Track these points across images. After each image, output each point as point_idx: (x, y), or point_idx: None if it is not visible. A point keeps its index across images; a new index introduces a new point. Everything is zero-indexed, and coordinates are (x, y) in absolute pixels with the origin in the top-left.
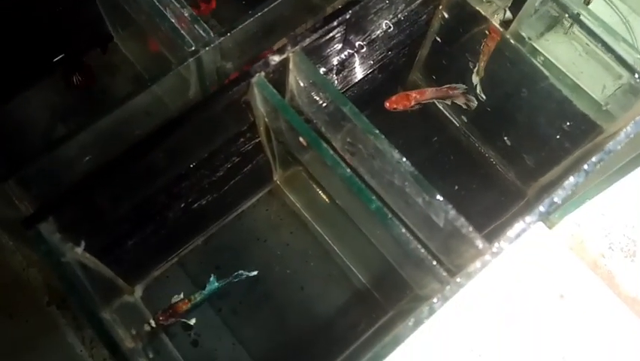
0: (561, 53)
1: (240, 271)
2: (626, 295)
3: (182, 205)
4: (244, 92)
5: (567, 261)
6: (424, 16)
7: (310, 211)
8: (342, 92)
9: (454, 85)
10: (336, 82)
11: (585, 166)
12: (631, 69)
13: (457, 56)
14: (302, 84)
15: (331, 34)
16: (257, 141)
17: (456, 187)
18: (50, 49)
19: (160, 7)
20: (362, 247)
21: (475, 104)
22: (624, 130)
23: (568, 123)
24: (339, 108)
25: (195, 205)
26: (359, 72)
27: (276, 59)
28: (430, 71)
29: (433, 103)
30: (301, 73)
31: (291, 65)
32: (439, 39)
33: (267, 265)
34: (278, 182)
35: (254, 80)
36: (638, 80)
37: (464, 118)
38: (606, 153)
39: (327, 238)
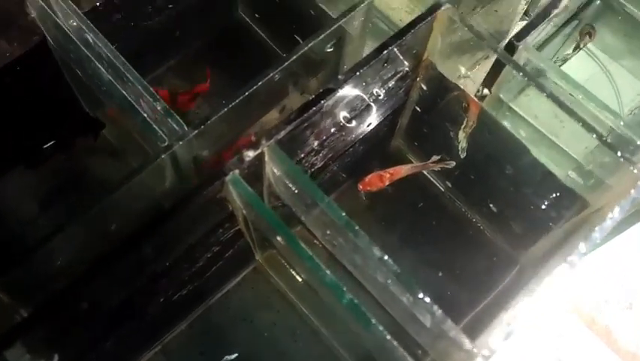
0: (542, 110)
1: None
2: (625, 351)
3: (162, 300)
4: (219, 190)
5: (562, 319)
6: (403, 89)
7: (294, 292)
8: (324, 167)
9: (429, 161)
10: (317, 161)
11: (570, 258)
12: (612, 148)
13: (438, 124)
14: (278, 174)
15: (308, 122)
16: (236, 228)
17: (445, 254)
18: (29, 136)
19: (132, 100)
20: (348, 331)
21: (452, 164)
22: (610, 216)
23: (552, 195)
24: (316, 202)
25: (176, 297)
26: (340, 147)
27: (250, 154)
28: (412, 138)
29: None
30: (277, 166)
31: (266, 158)
32: (418, 109)
33: (255, 347)
34: (260, 261)
35: (228, 178)
36: (619, 157)
37: (448, 183)
38: (592, 243)
39: (313, 319)
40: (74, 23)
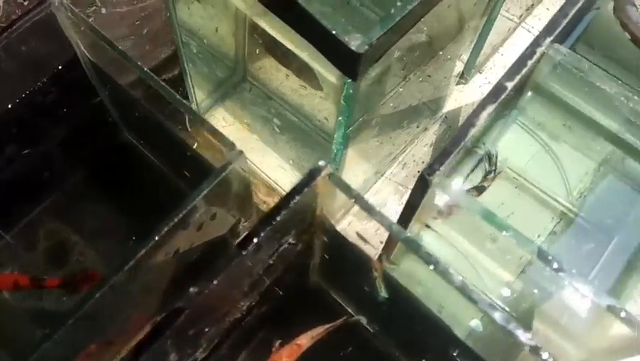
0: None
1: None
2: None
3: None
4: None
5: None
6: (301, 243)
7: None
8: (217, 347)
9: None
10: (198, 355)
11: None
12: None
13: (349, 268)
14: None
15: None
16: None
17: None
18: None
19: None
20: None
21: (360, 319)
22: None
23: None
24: None
25: None
26: (232, 322)
27: None
28: (329, 275)
29: (335, 301)
30: None
31: None
32: (326, 256)
33: None
34: None
35: None
36: None
37: (376, 326)
38: None
39: None
40: None
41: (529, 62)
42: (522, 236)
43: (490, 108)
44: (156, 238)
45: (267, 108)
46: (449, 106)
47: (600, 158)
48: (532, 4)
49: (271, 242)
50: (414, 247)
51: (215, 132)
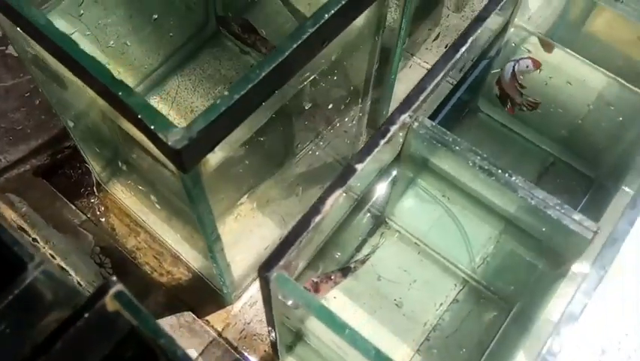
0: None
1: None
2: None
3: None
4: None
5: None
6: (133, 349)
7: None
8: None
9: None
10: None
11: None
12: None
13: None
14: None
15: None
16: None
17: None
18: None
19: None
20: None
21: None
22: None
23: None
24: None
25: None
26: None
27: None
28: None
29: None
30: None
31: None
32: None
33: None
34: None
35: None
36: None
37: None
38: None
39: None
40: None
41: (381, 142)
42: (361, 339)
43: (339, 192)
44: None
45: (152, 192)
46: None
47: (501, 225)
48: None
49: None
50: None
51: (14, 244)
